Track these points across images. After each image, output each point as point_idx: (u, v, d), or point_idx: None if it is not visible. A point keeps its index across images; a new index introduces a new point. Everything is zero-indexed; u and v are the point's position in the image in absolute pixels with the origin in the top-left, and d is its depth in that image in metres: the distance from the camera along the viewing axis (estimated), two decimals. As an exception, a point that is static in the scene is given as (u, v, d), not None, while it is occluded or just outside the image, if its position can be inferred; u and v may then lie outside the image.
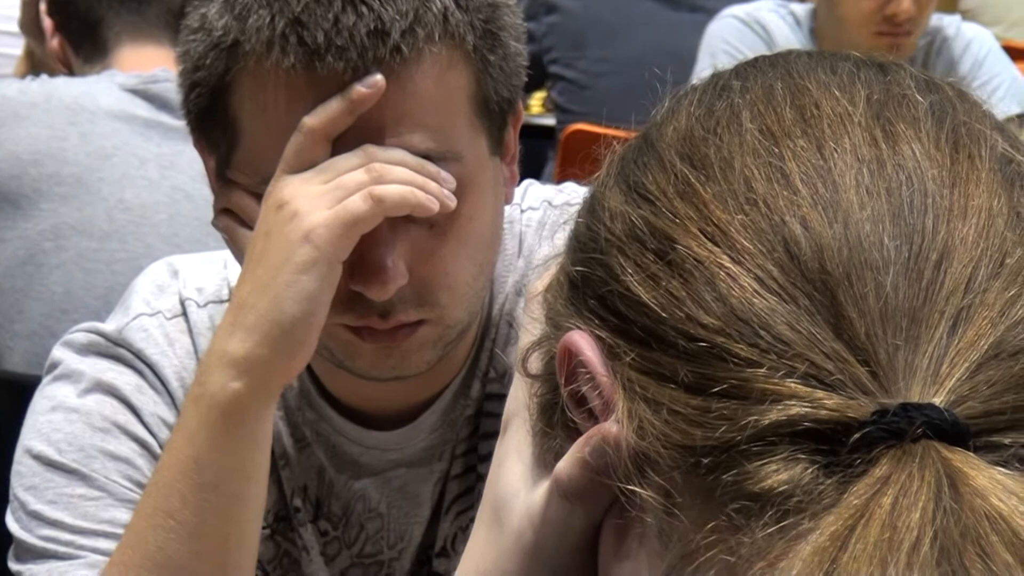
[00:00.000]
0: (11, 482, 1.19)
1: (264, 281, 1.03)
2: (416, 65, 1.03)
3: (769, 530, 0.57)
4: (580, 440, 0.62)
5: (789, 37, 2.85)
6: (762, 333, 0.58)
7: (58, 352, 1.20)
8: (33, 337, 1.84)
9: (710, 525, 0.58)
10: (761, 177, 0.61)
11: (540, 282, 0.72)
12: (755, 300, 0.58)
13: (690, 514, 0.59)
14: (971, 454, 0.55)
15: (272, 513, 1.19)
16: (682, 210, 0.61)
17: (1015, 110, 2.62)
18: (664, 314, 0.60)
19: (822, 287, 0.58)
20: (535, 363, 0.68)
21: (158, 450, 1.15)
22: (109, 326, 1.20)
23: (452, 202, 1.02)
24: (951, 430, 0.55)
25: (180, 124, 1.69)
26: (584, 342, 0.62)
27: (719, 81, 0.66)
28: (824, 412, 0.56)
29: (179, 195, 1.88)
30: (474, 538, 0.75)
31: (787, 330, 0.58)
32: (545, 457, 0.68)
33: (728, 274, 0.59)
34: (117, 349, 1.18)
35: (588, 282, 0.65)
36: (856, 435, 0.55)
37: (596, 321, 0.63)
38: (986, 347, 0.57)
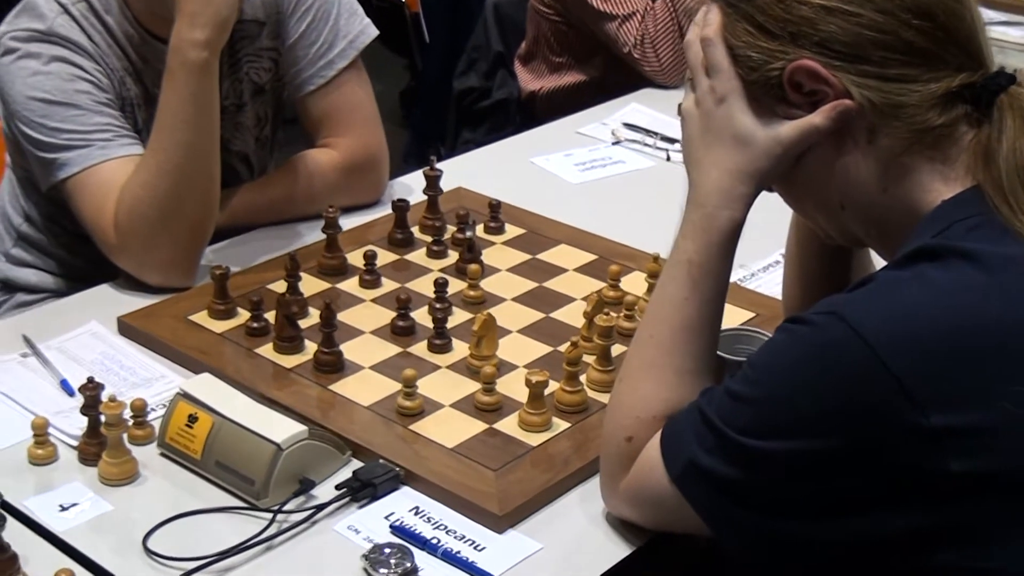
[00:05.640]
0: (20, 122, 1.55)
1: (207, 3, 1.49)
2: None
3: (960, 129, 1.00)
4: (827, 107, 1.01)
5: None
6: (925, 53, 0.99)
7: (10, 43, 1.55)
8: None
9: (915, 142, 0.99)
10: None
11: (711, 30, 1.07)
12: (917, 39, 0.99)
13: (900, 133, 1.00)
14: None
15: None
16: None
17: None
18: (870, 46, 0.99)
19: (943, 26, 0.99)
20: (723, 62, 1.06)
21: (103, 82, 1.57)
22: (40, 25, 1.56)
23: None
24: (1017, 80, 1.01)
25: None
26: (814, 64, 1.01)
27: None
28: (959, 80, 1.00)
29: None
30: (718, 154, 1.08)
31: (937, 50, 1.00)
32: (764, 113, 1.05)
33: (904, 27, 0.98)
34: (51, 37, 1.56)
35: (801, 35, 1.01)
36: (979, 89, 0.99)
37: (817, 54, 1.01)
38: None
